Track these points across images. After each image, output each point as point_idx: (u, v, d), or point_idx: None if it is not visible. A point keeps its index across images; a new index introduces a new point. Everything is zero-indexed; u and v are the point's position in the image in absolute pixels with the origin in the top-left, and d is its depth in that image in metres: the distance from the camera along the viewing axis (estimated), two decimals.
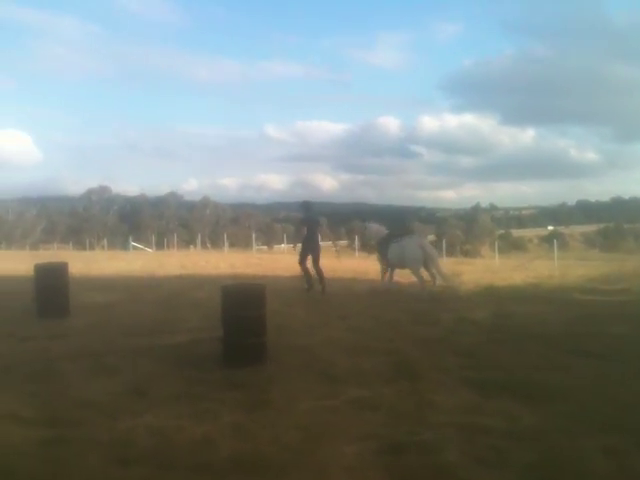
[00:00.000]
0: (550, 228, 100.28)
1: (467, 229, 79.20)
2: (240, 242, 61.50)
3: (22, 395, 4.89)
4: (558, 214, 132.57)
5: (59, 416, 4.39)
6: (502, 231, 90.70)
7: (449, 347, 6.77)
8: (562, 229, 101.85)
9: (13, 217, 77.94)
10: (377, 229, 12.53)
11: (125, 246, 50.35)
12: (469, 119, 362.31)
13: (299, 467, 3.58)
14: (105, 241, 53.72)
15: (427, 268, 11.41)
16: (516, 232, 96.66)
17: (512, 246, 69.70)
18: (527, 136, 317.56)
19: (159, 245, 49.60)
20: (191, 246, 53.58)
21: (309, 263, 11.79)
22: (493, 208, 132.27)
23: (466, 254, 58.57)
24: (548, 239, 70.23)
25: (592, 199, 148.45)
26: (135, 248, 45.37)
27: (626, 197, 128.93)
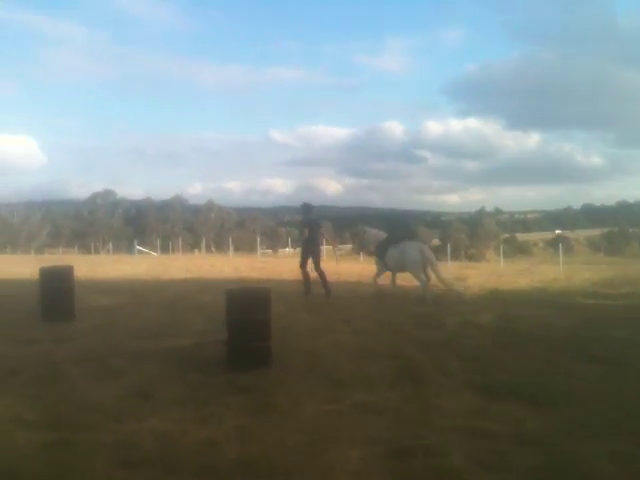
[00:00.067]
0: (558, 232, 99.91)
1: (472, 233, 79.09)
2: (245, 246, 61.60)
3: (27, 398, 4.90)
4: (563, 218, 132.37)
5: (64, 419, 4.40)
6: (507, 235, 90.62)
7: (454, 351, 6.76)
8: (567, 233, 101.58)
9: (18, 221, 78.19)
10: (375, 233, 12.55)
11: (130, 250, 50.48)
12: (474, 123, 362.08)
13: (304, 471, 3.58)
14: (110, 245, 53.91)
15: (426, 273, 11.42)
16: (521, 236, 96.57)
17: (517, 250, 69.72)
18: (532, 140, 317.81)
19: (164, 249, 49.78)
20: (196, 250, 53.74)
21: (310, 266, 11.78)
22: (498, 212, 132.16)
23: (471, 258, 58.55)
24: (553, 243, 70.06)
25: (597, 203, 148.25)
26: (140, 252, 45.54)
27: (631, 201, 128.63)
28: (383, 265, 11.78)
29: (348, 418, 4.51)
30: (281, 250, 57.27)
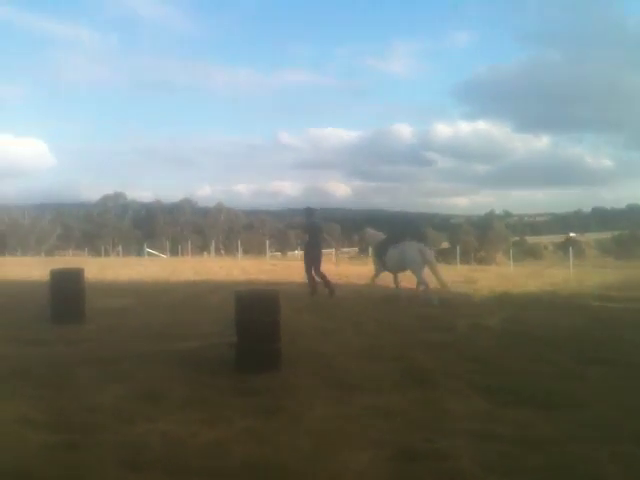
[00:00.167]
0: (572, 235, 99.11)
1: (481, 236, 78.62)
2: (254, 248, 61.57)
3: (35, 400, 4.92)
4: (573, 221, 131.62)
5: (72, 421, 4.41)
6: (516, 238, 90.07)
7: (462, 353, 6.75)
8: (577, 236, 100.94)
9: (28, 223, 78.59)
10: (374, 234, 12.62)
11: (140, 252, 50.71)
12: (483, 126, 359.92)
13: (313, 473, 3.57)
14: (120, 247, 54.14)
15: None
16: (530, 239, 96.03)
17: (527, 253, 69.20)
18: (541, 143, 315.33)
19: (173, 251, 49.95)
20: (205, 252, 53.80)
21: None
22: (507, 215, 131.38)
23: (480, 261, 58.28)
24: (563, 246, 69.67)
25: (607, 206, 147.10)
26: (150, 254, 45.74)
27: None
28: (381, 265, 11.85)
29: (357, 421, 4.50)
30: (290, 253, 57.33)
